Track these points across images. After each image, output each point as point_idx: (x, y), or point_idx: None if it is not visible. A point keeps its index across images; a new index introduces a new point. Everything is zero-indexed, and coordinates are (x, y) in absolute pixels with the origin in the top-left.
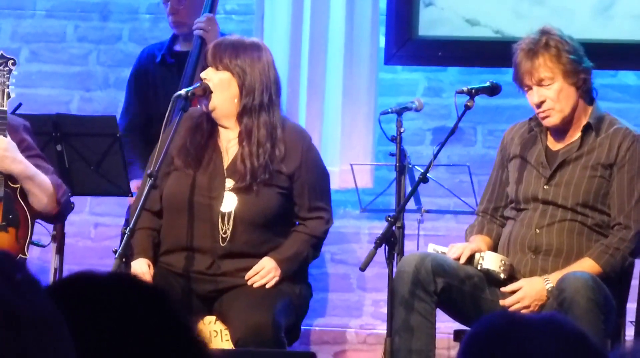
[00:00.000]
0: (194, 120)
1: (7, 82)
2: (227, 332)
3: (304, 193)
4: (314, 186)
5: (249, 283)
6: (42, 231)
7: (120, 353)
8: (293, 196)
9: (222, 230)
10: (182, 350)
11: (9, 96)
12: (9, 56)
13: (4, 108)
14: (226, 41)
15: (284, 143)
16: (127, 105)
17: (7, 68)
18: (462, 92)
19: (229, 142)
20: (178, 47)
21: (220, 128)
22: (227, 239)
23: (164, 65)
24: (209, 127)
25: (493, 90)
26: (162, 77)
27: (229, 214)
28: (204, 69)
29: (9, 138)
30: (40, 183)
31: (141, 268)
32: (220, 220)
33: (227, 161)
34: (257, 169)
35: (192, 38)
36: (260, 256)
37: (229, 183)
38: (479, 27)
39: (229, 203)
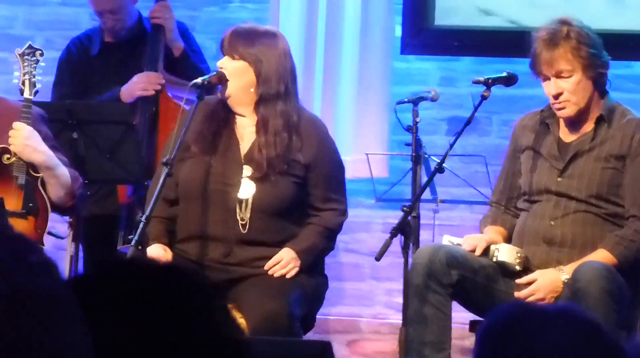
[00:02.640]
0: (210, 107)
1: (33, 72)
2: (242, 320)
3: (319, 184)
4: (329, 177)
5: (269, 273)
6: (57, 219)
7: (158, 339)
8: (308, 185)
9: (240, 216)
10: (219, 335)
11: (34, 86)
12: (36, 47)
13: (30, 97)
14: (241, 30)
15: (301, 133)
16: (60, 84)
17: (35, 58)
18: (478, 82)
19: (245, 129)
20: (108, 39)
21: (236, 116)
22: (245, 226)
23: (101, 57)
24: (225, 114)
25: (509, 80)
26: (101, 68)
27: (247, 201)
28: (167, 57)
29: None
30: (60, 175)
31: (157, 252)
32: (237, 207)
33: (244, 148)
34: (274, 158)
35: (121, 32)
36: (276, 245)
37: (247, 170)
38: (493, 17)
39: (247, 190)
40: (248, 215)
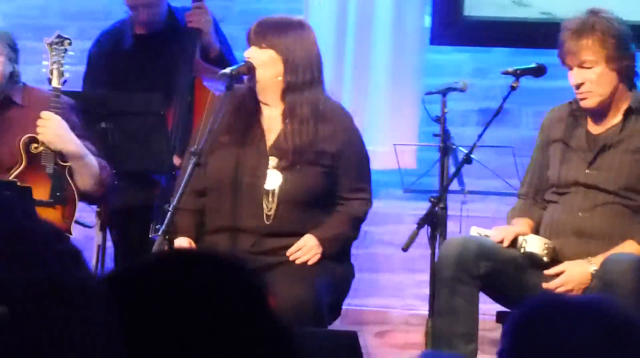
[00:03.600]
0: (237, 98)
1: (62, 62)
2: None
3: (347, 173)
4: (356, 166)
5: (290, 258)
6: (85, 208)
7: (206, 331)
8: (335, 175)
9: (267, 207)
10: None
11: (62, 75)
12: (65, 36)
13: (58, 86)
14: (269, 20)
15: (328, 122)
16: (91, 78)
17: (63, 48)
18: (507, 73)
19: (272, 120)
20: (139, 31)
21: (263, 106)
22: (272, 217)
23: (134, 50)
24: (252, 105)
25: (538, 71)
26: (134, 61)
27: (273, 192)
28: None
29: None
30: (89, 165)
31: (184, 246)
32: (264, 198)
33: (270, 139)
34: (301, 147)
35: (152, 23)
36: (303, 235)
37: (273, 161)
38: (525, 8)
39: (273, 180)
40: (275, 206)
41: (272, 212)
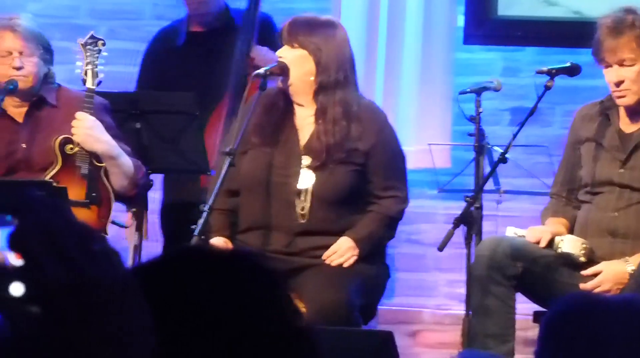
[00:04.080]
0: (269, 98)
1: (96, 62)
2: (303, 310)
3: (379, 171)
4: (389, 164)
5: (326, 261)
6: (119, 208)
7: (222, 327)
8: (367, 173)
9: (299, 207)
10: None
11: (97, 76)
12: (98, 36)
13: (93, 87)
14: (301, 19)
15: (360, 120)
16: (141, 78)
17: (97, 48)
18: (542, 72)
19: (304, 120)
20: (194, 28)
21: (295, 106)
22: (305, 216)
23: (187, 47)
24: (284, 105)
25: (573, 71)
26: (186, 58)
27: (306, 191)
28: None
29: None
30: (123, 164)
31: (219, 245)
32: (297, 197)
33: (303, 139)
34: (333, 146)
35: (207, 20)
36: (336, 234)
37: (306, 160)
38: (557, 7)
39: (306, 180)
40: (308, 205)
41: (305, 211)
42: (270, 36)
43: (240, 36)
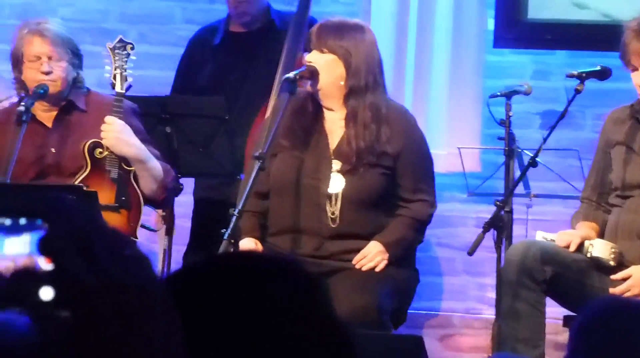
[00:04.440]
0: (299, 102)
1: (124, 66)
2: None
3: (408, 174)
4: (418, 167)
5: (357, 266)
6: (147, 211)
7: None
8: (396, 176)
9: (330, 211)
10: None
11: (126, 80)
12: (127, 40)
13: (122, 91)
14: (329, 23)
15: (389, 123)
16: (176, 78)
17: (126, 52)
18: (572, 76)
19: (334, 124)
20: (234, 28)
21: (325, 110)
22: (335, 220)
23: (224, 46)
24: (313, 109)
25: (603, 74)
26: (222, 57)
27: (336, 195)
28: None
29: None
30: (152, 168)
31: (249, 246)
32: (327, 202)
33: (333, 143)
34: (363, 150)
35: (248, 20)
36: (366, 237)
37: (336, 164)
38: (587, 10)
39: (336, 184)
40: (338, 209)
41: (335, 215)
42: None
43: (291, 37)
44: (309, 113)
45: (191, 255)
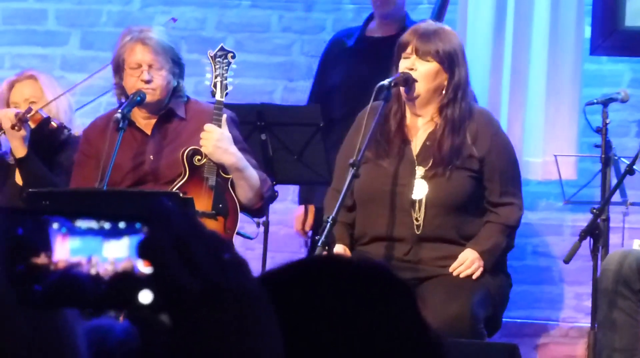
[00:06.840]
0: (384, 109)
1: (225, 74)
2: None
3: (495, 177)
4: (504, 170)
5: (454, 273)
6: (244, 219)
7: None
8: (482, 179)
9: (415, 217)
10: (415, 335)
11: (226, 88)
12: (228, 49)
13: (222, 99)
14: (429, 31)
15: (474, 127)
16: (313, 82)
17: (227, 61)
18: None
19: (417, 129)
20: (369, 33)
21: (409, 116)
22: (420, 226)
23: (356, 49)
24: (398, 116)
25: None
26: (354, 60)
27: (420, 201)
28: None
29: (225, 129)
30: (249, 177)
31: (341, 253)
32: (412, 208)
33: (416, 148)
34: (447, 154)
35: (389, 22)
36: (454, 241)
37: (420, 170)
38: None
39: (420, 190)
40: (422, 215)
41: (420, 221)
42: None
43: None
44: (393, 120)
45: None
